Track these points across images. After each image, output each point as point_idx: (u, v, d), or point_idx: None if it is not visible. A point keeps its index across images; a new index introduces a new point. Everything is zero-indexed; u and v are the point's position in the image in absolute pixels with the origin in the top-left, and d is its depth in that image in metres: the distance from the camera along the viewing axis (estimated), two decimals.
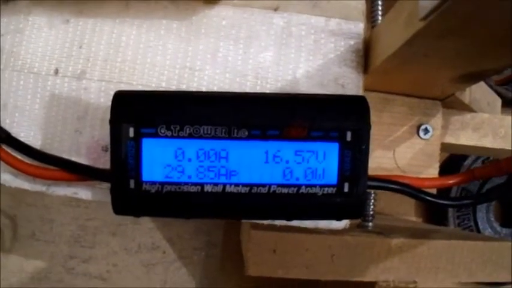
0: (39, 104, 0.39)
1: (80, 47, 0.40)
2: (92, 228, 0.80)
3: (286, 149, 0.31)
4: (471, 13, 0.25)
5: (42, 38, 0.40)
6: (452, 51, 0.31)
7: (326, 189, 0.32)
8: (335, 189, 0.32)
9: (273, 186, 0.32)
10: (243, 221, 0.39)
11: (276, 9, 0.40)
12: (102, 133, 0.38)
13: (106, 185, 0.37)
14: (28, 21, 0.41)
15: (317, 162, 0.32)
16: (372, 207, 0.52)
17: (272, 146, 0.31)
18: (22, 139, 0.38)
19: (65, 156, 0.37)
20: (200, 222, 0.81)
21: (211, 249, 0.81)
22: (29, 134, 0.39)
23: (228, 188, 0.32)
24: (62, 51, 0.40)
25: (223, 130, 0.31)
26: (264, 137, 0.31)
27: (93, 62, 0.40)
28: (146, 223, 0.80)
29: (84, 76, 0.39)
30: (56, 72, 0.40)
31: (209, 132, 0.31)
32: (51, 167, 0.37)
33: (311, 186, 0.32)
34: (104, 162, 0.38)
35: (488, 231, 0.87)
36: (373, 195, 0.52)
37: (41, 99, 0.39)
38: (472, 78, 0.39)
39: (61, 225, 0.80)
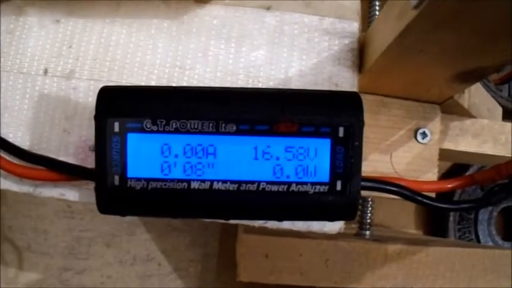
0: (27, 104, 0.39)
1: (70, 47, 0.39)
2: (86, 240, 0.79)
3: (276, 145, 0.30)
4: (463, 2, 0.24)
5: (32, 38, 0.40)
6: (448, 45, 0.31)
7: (318, 187, 0.31)
8: (327, 187, 0.31)
9: (262, 184, 0.31)
10: (232, 222, 0.38)
11: (268, 8, 0.39)
12: (90, 133, 0.37)
13: (93, 186, 0.36)
14: (19, 22, 0.40)
15: (308, 159, 0.31)
16: (369, 215, 0.51)
17: (261, 142, 0.30)
18: (10, 139, 0.37)
19: (53, 156, 0.37)
20: (196, 234, 0.80)
21: (207, 261, 0.79)
22: (17, 134, 0.38)
23: (216, 185, 0.31)
24: (51, 51, 0.39)
25: (211, 125, 0.30)
26: (253, 132, 0.30)
27: (83, 61, 0.39)
28: (141, 234, 0.79)
29: (73, 76, 0.39)
30: (45, 72, 0.39)
31: (196, 127, 0.30)
32: (38, 167, 0.36)
33: (302, 184, 0.31)
34: (91, 162, 0.37)
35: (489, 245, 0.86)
36: (370, 202, 0.51)
37: (30, 100, 0.39)
38: (469, 77, 0.38)
39: (55, 237, 0.79)
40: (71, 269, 0.78)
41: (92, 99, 0.38)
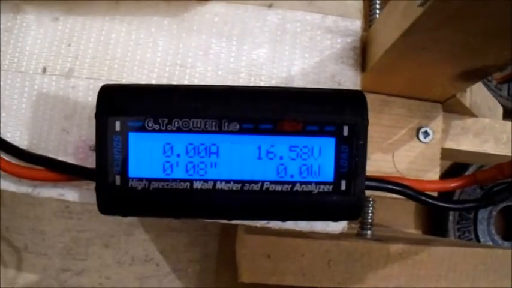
0: (26, 103, 0.38)
1: (69, 45, 0.39)
2: (84, 240, 0.78)
3: (280, 144, 0.30)
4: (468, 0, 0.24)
5: (30, 36, 0.39)
6: (452, 43, 0.30)
7: (322, 186, 0.30)
8: (331, 186, 0.30)
9: (265, 184, 0.30)
10: (235, 222, 0.37)
11: (270, 6, 0.39)
12: (90, 132, 0.37)
13: (93, 186, 0.36)
14: (16, 20, 0.40)
15: (312, 158, 0.30)
16: (370, 215, 0.51)
17: (265, 141, 0.30)
18: (8, 139, 0.37)
19: (52, 156, 0.36)
20: (195, 234, 0.79)
21: (206, 262, 0.79)
22: (15, 134, 0.38)
23: (219, 185, 0.30)
24: (50, 49, 0.39)
25: (214, 124, 0.30)
26: (257, 131, 0.30)
27: (82, 59, 0.39)
28: (139, 234, 0.79)
29: (72, 74, 0.38)
30: (44, 71, 0.39)
31: (199, 125, 0.30)
32: (37, 167, 0.36)
33: (306, 183, 0.30)
34: (91, 162, 0.36)
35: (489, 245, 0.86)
36: (371, 202, 0.51)
37: (28, 99, 0.38)
38: (472, 76, 0.37)
39: (53, 237, 0.78)
40: (69, 270, 0.78)
41: (92, 98, 0.38)
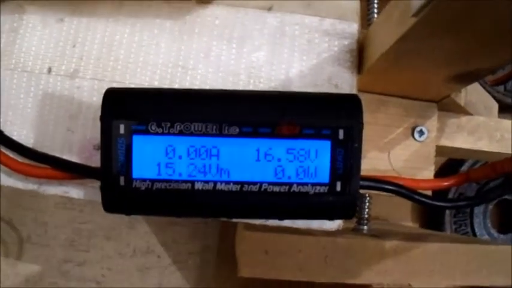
0: (32, 102, 0.39)
1: (74, 46, 0.40)
2: (86, 232, 0.79)
3: (278, 147, 0.31)
4: (462, 9, 0.25)
5: (36, 36, 0.40)
6: (446, 49, 0.31)
7: (318, 188, 0.32)
8: (327, 188, 0.32)
9: (264, 185, 0.31)
10: (234, 221, 0.38)
11: (269, 9, 0.40)
12: (95, 132, 0.38)
13: (98, 184, 0.37)
14: (22, 21, 0.40)
15: (309, 161, 0.31)
16: (367, 210, 0.52)
17: (263, 144, 0.31)
18: (14, 138, 0.38)
19: (57, 154, 0.37)
20: (195, 227, 0.80)
21: (206, 254, 0.80)
22: (21, 132, 0.39)
23: (219, 186, 0.31)
24: (55, 50, 0.40)
25: (214, 127, 0.31)
26: (256, 134, 0.31)
27: (86, 60, 0.39)
28: (141, 227, 0.80)
29: (77, 75, 0.39)
30: (49, 71, 0.39)
31: (200, 129, 0.31)
32: (43, 165, 0.36)
33: (303, 184, 0.32)
34: (96, 161, 0.37)
35: (485, 238, 0.86)
36: (368, 198, 0.52)
37: (34, 98, 0.39)
38: (466, 78, 0.38)
39: (55, 228, 0.79)
40: (71, 261, 0.79)
41: (96, 99, 0.39)
